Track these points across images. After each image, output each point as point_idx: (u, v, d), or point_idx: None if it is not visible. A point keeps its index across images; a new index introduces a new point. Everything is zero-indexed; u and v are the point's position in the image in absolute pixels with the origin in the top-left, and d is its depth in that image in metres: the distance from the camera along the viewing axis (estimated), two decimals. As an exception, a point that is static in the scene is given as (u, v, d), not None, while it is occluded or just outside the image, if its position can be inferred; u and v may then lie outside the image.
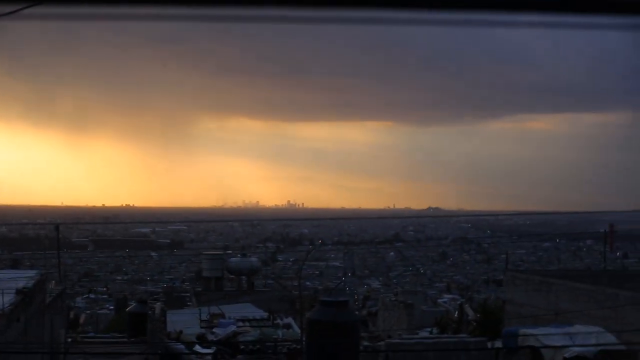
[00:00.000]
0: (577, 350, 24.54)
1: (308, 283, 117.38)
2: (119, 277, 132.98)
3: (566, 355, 24.61)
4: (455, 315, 55.99)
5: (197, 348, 36.17)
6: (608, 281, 39.67)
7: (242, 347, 35.88)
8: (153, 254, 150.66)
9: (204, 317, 42.87)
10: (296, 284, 74.64)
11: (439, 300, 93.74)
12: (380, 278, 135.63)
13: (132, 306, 43.77)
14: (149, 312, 35.68)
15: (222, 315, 43.40)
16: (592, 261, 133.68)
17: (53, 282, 36.87)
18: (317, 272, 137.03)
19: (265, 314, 44.59)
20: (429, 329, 45.92)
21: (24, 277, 27.76)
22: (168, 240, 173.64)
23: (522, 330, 27.67)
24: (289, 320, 43.86)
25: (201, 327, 41.24)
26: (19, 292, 24.01)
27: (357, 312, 40.74)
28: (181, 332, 38.32)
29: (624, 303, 33.27)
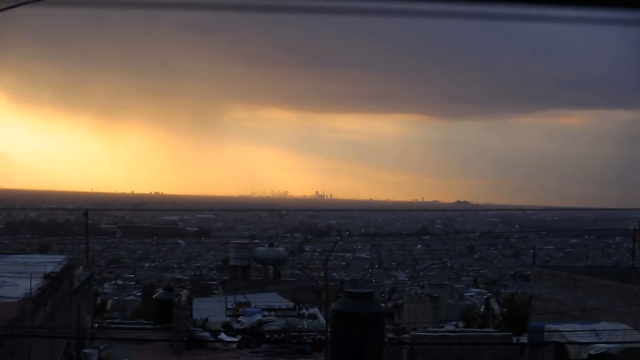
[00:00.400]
0: (602, 347, 24.43)
1: (334, 274, 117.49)
2: (146, 264, 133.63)
3: (592, 352, 24.50)
4: (482, 310, 55.83)
5: (223, 336, 36.29)
6: (636, 279, 39.41)
7: (267, 336, 35.96)
8: (181, 241, 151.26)
9: (229, 306, 42.98)
10: (322, 274, 74.68)
11: (466, 294, 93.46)
12: (407, 271, 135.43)
13: (158, 293, 43.98)
14: (176, 299, 35.83)
15: (248, 304, 43.47)
16: (620, 258, 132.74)
17: (81, 267, 37.14)
18: (344, 263, 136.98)
19: (290, 304, 44.62)
20: (455, 323, 45.80)
21: (52, 262, 27.95)
22: (196, 229, 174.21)
23: (548, 326, 27.56)
24: (315, 310, 43.88)
25: (227, 316, 41.35)
26: (46, 276, 24.18)
27: (382, 304, 40.69)
28: (207, 320, 38.45)
29: (651, 301, 33.05)
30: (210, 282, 76.31)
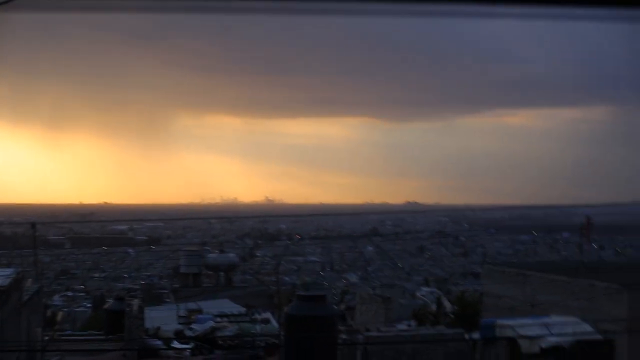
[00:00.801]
0: (553, 340, 24.70)
1: (286, 278, 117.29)
2: (96, 275, 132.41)
3: (543, 345, 24.76)
4: (433, 308, 56.22)
5: (175, 344, 36.11)
6: (584, 273, 39.94)
7: (220, 342, 35.85)
8: (130, 251, 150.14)
9: (181, 313, 42.78)
10: (274, 279, 74.63)
11: (417, 294, 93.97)
12: (359, 272, 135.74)
13: (109, 303, 43.63)
14: (127, 309, 35.57)
15: (200, 311, 43.30)
16: (568, 253, 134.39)
17: (30, 280, 36.69)
18: (295, 267, 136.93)
19: (243, 309, 44.54)
20: (407, 322, 46.07)
21: (0, 276, 27.60)
22: (145, 237, 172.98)
23: (500, 322, 27.81)
24: (267, 315, 43.85)
25: (179, 323, 41.15)
26: (-6, 290, 23.87)
27: (335, 307, 40.76)
28: (159, 328, 38.23)
29: (599, 294, 33.50)
30: (161, 291, 75.78)
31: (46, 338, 37.43)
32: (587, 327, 27.03)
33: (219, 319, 41.16)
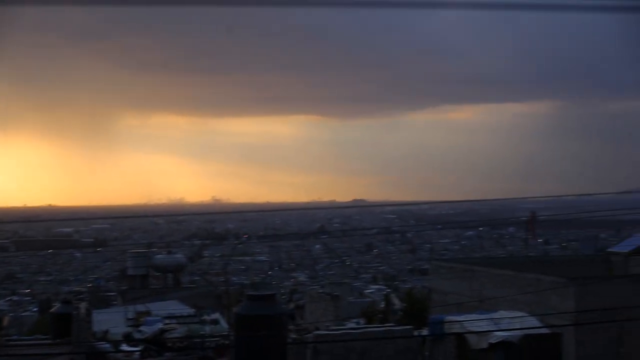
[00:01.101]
0: (501, 335, 24.92)
1: (234, 278, 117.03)
2: (42, 278, 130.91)
3: (491, 340, 24.97)
4: (382, 305, 56.44)
5: (124, 347, 35.82)
6: (530, 267, 40.38)
7: (170, 344, 35.64)
8: (76, 253, 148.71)
9: (130, 316, 42.45)
10: (223, 279, 74.39)
11: (366, 291, 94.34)
12: (307, 271, 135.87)
13: (56, 307, 43.14)
14: (74, 312, 35.21)
15: (149, 313, 42.99)
16: (514, 248, 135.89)
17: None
18: (243, 267, 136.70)
19: (192, 311, 44.31)
20: (356, 320, 46.19)
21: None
22: (91, 239, 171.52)
23: (448, 318, 28.00)
24: (217, 315, 43.67)
25: (127, 326, 40.82)
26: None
27: (284, 306, 40.74)
28: (107, 331, 37.91)
29: (546, 288, 33.88)
30: (108, 293, 75.19)
31: (-8, 344, 36.91)
32: (534, 321, 27.32)
33: (167, 321, 40.89)
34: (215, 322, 41.44)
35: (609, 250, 45.90)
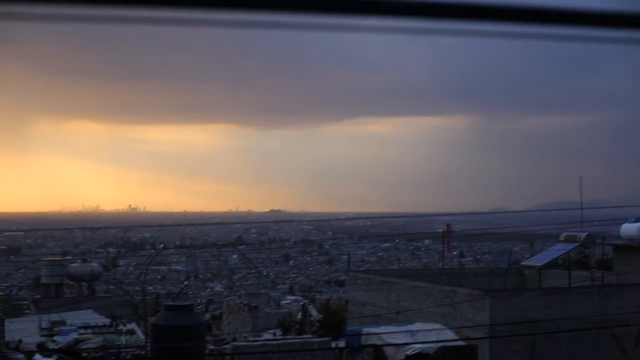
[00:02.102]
0: (418, 347, 25.19)
1: (150, 288, 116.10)
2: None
3: (408, 352, 25.22)
4: (299, 316, 56.52)
5: (38, 357, 35.26)
6: (446, 279, 40.92)
7: (85, 354, 35.20)
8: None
9: (44, 325, 41.80)
10: (138, 288, 73.69)
11: (283, 302, 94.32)
12: (224, 281, 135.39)
13: (-33, 316, 42.30)
14: (-14, 321, 34.57)
15: (63, 323, 42.39)
16: (430, 260, 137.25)
17: None
18: (160, 277, 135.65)
19: (107, 320, 43.81)
20: (273, 331, 46.20)
21: None
22: (4, 247, 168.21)
23: (365, 329, 28.19)
24: (133, 325, 43.26)
25: (41, 336, 40.19)
26: None
27: (201, 316, 40.56)
28: (20, 341, 37.26)
29: (461, 300, 34.38)
30: (21, 302, 73.87)
31: None
32: (450, 334, 27.69)
33: (82, 331, 40.38)
34: (131, 332, 41.04)
35: (523, 263, 46.73)
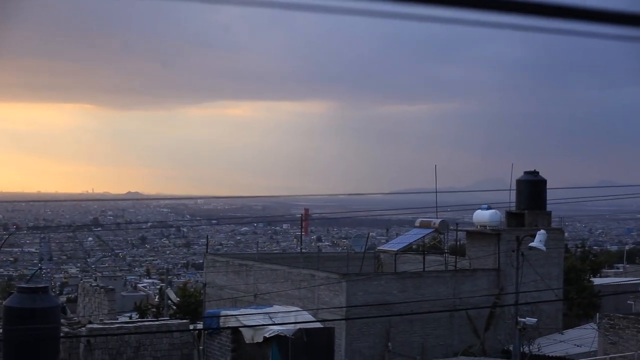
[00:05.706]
0: (276, 329, 25.42)
1: (1, 270, 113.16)
2: None
3: (266, 334, 25.43)
4: (156, 300, 56.12)
5: None
6: (304, 263, 41.35)
7: None
8: None
9: None
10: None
11: (139, 285, 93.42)
12: (79, 264, 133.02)
13: None
14: None
15: None
16: (288, 244, 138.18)
17: None
18: (12, 259, 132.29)
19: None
20: (129, 314, 45.75)
21: None
22: None
23: (223, 312, 28.26)
24: (-17, 308, 42.12)
25: None
26: None
27: (56, 299, 39.82)
28: None
29: (319, 283, 34.84)
30: None
31: None
32: (308, 316, 28.03)
33: None
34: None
35: (379, 248, 47.60)
